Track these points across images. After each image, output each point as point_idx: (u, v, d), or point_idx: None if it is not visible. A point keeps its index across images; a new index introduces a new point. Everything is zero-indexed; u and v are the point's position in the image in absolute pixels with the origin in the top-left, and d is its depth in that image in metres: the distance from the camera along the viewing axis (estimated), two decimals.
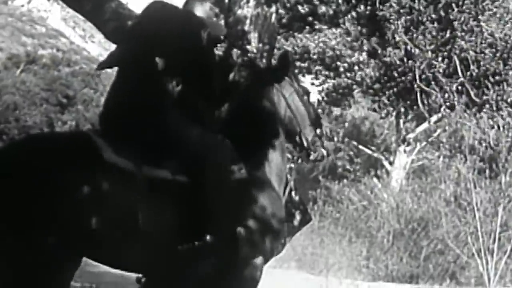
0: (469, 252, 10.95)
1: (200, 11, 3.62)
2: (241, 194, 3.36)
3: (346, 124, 22.49)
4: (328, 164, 21.79)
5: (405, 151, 18.72)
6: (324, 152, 3.92)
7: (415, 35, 9.33)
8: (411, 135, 18.51)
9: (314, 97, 14.68)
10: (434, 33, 9.21)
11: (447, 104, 9.23)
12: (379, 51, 10.20)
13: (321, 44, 11.67)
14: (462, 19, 8.93)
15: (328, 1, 10.80)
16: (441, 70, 9.15)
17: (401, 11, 9.30)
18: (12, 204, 2.87)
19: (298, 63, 12.21)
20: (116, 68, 3.50)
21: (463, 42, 8.92)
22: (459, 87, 9.07)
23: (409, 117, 15.87)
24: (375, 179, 16.44)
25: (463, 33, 8.95)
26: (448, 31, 9.20)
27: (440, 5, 9.19)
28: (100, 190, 2.97)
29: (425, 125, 17.34)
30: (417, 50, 9.32)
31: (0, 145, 15.49)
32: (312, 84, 13.94)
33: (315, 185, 18.62)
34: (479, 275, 10.60)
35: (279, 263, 10.75)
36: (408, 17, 9.34)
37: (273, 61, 5.18)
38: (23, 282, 2.89)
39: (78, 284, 6.26)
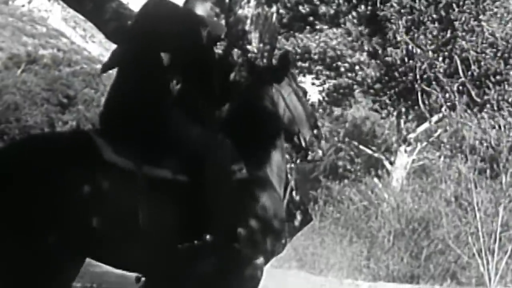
0: (470, 252, 10.93)
1: (201, 9, 3.61)
2: (241, 194, 3.35)
3: (347, 124, 22.47)
4: (329, 164, 21.76)
5: (406, 151, 18.68)
6: (321, 153, 3.91)
7: (416, 35, 9.34)
8: (412, 135, 18.47)
9: (315, 97, 14.69)
10: (435, 33, 9.21)
11: (448, 104, 9.24)
12: (380, 51, 10.21)
13: (322, 44, 11.66)
14: (463, 19, 8.94)
15: (329, 1, 10.81)
16: (442, 70, 9.16)
17: (402, 11, 9.31)
18: (12, 204, 2.87)
19: (299, 63, 12.21)
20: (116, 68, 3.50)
21: (464, 42, 8.93)
22: (460, 87, 9.08)
23: (410, 117, 15.82)
24: (375, 179, 16.40)
25: (464, 33, 8.95)
26: (449, 31, 9.21)
27: (441, 5, 9.20)
28: (101, 190, 2.97)
29: (426, 125, 17.31)
30: (418, 50, 9.33)
31: (1, 145, 15.52)
32: (313, 84, 13.94)
33: (316, 185, 18.58)
34: (480, 275, 10.59)
35: (280, 263, 10.74)
36: (409, 17, 9.35)
37: (274, 61, 5.17)
38: (23, 282, 2.89)
39: (79, 284, 6.24)
